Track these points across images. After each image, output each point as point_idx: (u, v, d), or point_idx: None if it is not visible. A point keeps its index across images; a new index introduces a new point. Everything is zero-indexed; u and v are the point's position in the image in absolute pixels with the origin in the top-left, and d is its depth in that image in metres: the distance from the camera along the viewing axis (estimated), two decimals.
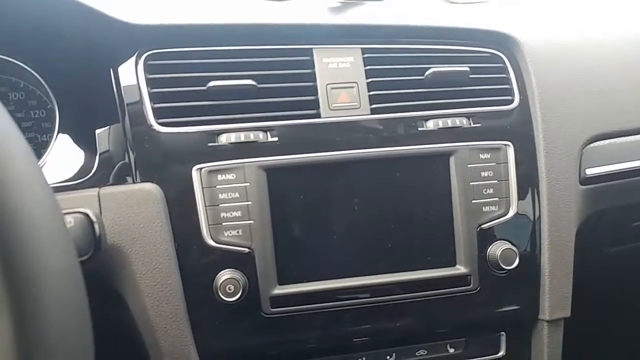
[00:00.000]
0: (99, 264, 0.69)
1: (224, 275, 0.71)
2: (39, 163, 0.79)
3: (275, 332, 0.74)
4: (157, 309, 0.71)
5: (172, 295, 0.71)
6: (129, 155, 0.75)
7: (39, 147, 0.83)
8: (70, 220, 0.48)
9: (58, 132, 0.82)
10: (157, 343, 0.72)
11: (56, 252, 0.34)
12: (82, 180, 0.76)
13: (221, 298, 0.70)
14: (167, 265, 0.71)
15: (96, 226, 0.50)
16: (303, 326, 0.75)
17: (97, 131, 0.78)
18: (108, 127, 0.78)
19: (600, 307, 1.24)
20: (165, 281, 0.71)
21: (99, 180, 0.76)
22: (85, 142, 0.80)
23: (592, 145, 0.85)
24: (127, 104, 0.75)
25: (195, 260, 0.72)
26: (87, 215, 0.49)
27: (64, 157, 0.81)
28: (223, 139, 0.73)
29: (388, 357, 0.81)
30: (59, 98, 0.81)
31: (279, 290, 0.73)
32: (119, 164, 0.76)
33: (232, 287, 0.70)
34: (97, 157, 0.78)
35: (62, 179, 0.76)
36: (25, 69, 0.82)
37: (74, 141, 0.82)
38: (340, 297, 0.75)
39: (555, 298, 0.81)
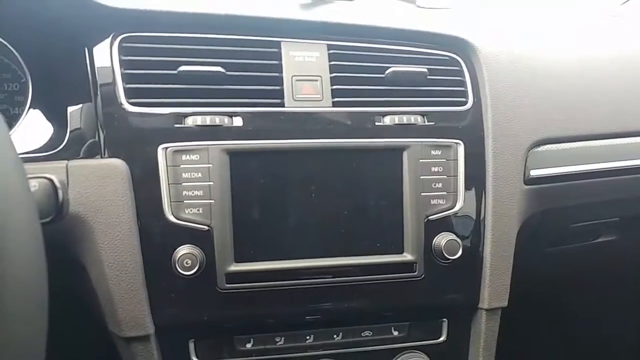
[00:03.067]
0: (62, 232, 0.72)
1: (183, 250, 0.74)
2: (10, 133, 0.81)
3: (229, 307, 0.78)
4: (117, 279, 0.74)
5: (131, 267, 0.74)
6: (98, 132, 0.78)
7: (11, 120, 0.85)
8: (34, 184, 0.51)
9: (30, 106, 0.84)
10: (115, 312, 0.75)
11: (18, 205, 0.38)
12: (51, 153, 0.78)
13: (178, 272, 0.74)
14: (128, 238, 0.74)
15: (60, 192, 0.53)
16: (256, 302, 0.79)
17: (69, 107, 0.81)
18: (80, 103, 0.81)
19: (536, 300, 1.32)
20: (126, 253, 0.74)
21: (68, 154, 0.78)
22: (57, 117, 0.82)
23: (537, 148, 0.91)
24: (100, 83, 0.78)
25: (156, 234, 0.76)
26: (51, 180, 0.52)
27: (34, 130, 0.83)
28: (189, 122, 0.77)
29: (335, 336, 0.85)
30: (33, 72, 0.84)
31: (235, 267, 0.77)
32: (88, 139, 0.79)
33: (189, 262, 0.74)
34: (68, 132, 0.80)
35: (31, 150, 0.79)
36: (1, 42, 0.84)
37: (46, 116, 0.84)
38: (293, 277, 0.80)
39: (494, 289, 0.87)
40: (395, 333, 0.88)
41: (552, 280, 1.25)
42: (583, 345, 1.77)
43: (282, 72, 0.82)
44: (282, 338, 0.84)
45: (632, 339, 1.66)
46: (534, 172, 0.90)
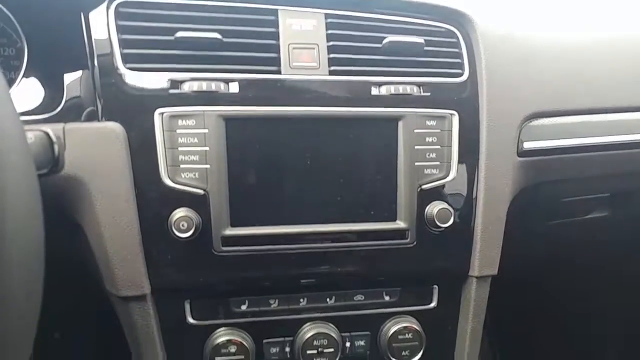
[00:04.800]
0: (60, 193, 0.73)
1: (179, 213, 0.76)
2: None
3: (224, 270, 0.80)
4: (114, 240, 0.76)
5: (128, 228, 0.76)
6: (95, 96, 0.79)
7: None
8: (30, 136, 0.52)
9: (26, 71, 0.84)
10: (112, 272, 0.77)
11: (15, 150, 0.39)
12: (48, 116, 0.79)
13: (175, 234, 0.75)
14: (125, 200, 0.75)
15: (55, 146, 0.54)
16: (251, 266, 0.81)
17: (65, 71, 0.81)
18: (76, 68, 0.81)
19: (526, 272, 1.34)
20: (123, 215, 0.76)
21: (64, 118, 0.78)
22: (53, 81, 0.82)
23: (531, 121, 0.92)
24: (97, 48, 0.78)
25: (152, 197, 0.77)
26: (47, 134, 0.53)
27: (30, 94, 0.83)
28: (186, 87, 0.78)
29: (328, 300, 0.87)
30: (29, 36, 0.84)
31: (230, 231, 0.79)
32: (85, 103, 0.79)
33: (185, 225, 0.75)
34: (64, 96, 0.80)
35: (27, 111, 0.79)
36: None
37: (41, 80, 0.84)
38: (287, 241, 0.81)
39: (484, 257, 0.89)
40: (387, 298, 0.90)
41: (542, 254, 1.27)
42: (571, 318, 1.81)
43: (278, 40, 0.82)
44: (277, 300, 0.86)
45: (619, 315, 1.69)
46: (528, 145, 0.91)
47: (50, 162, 0.53)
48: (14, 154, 0.38)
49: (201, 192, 0.77)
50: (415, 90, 0.85)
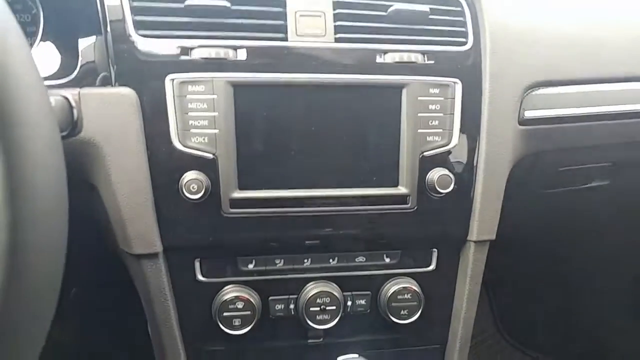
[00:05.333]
0: (75, 155, 0.77)
1: (189, 175, 0.79)
2: None
3: (232, 231, 0.84)
4: (127, 201, 0.80)
5: (141, 189, 0.80)
6: (109, 62, 0.81)
7: None
8: (52, 101, 0.55)
9: (41, 37, 0.87)
10: (125, 230, 0.81)
11: (41, 113, 0.42)
12: (64, 81, 0.81)
13: (185, 196, 0.79)
14: (137, 162, 0.79)
15: (75, 110, 0.57)
16: (258, 227, 0.85)
17: (79, 38, 0.83)
18: (90, 34, 0.83)
19: (524, 236, 1.37)
20: (135, 176, 0.79)
21: (79, 83, 0.81)
22: (67, 47, 0.85)
23: (533, 90, 0.93)
24: (109, 14, 0.80)
25: (164, 160, 0.80)
26: (66, 98, 0.56)
27: (46, 60, 0.86)
28: (195, 54, 0.80)
29: (331, 260, 0.92)
30: (44, 3, 0.86)
31: (238, 194, 0.82)
32: (98, 69, 0.82)
33: (195, 187, 0.79)
34: (79, 62, 0.83)
35: (44, 77, 0.82)
36: None
37: (56, 46, 0.87)
38: (293, 205, 0.85)
39: (483, 223, 0.92)
40: (387, 260, 0.94)
41: (541, 221, 1.30)
42: (568, 282, 1.85)
43: (285, 8, 0.84)
44: (282, 260, 0.90)
45: (618, 284, 1.73)
46: (529, 114, 0.93)
47: (69, 124, 0.56)
48: (42, 118, 0.42)
49: (210, 156, 0.80)
50: (419, 58, 0.87)
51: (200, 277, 0.88)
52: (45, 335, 0.50)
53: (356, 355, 0.79)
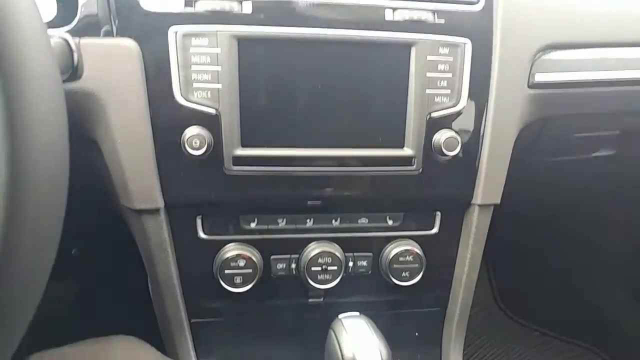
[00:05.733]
0: (76, 107, 0.75)
1: (192, 131, 0.77)
2: None
3: (235, 189, 0.83)
4: (128, 155, 0.79)
5: (142, 144, 0.78)
6: (109, 13, 0.79)
7: None
8: (51, 42, 0.54)
9: None
10: (127, 186, 0.80)
11: (42, 55, 0.41)
12: (63, 31, 0.79)
13: (187, 151, 0.77)
14: (139, 116, 0.77)
15: (75, 54, 0.55)
16: (261, 186, 0.84)
17: None
18: None
19: (527, 203, 1.37)
20: (137, 130, 0.78)
21: (79, 33, 0.79)
22: None
23: (545, 54, 0.91)
24: None
25: (166, 115, 0.78)
26: (66, 41, 0.54)
27: (44, 9, 0.84)
28: (200, 6, 0.77)
29: (334, 221, 0.91)
30: None
31: (241, 151, 0.81)
32: (100, 19, 0.79)
33: (197, 142, 0.77)
34: (78, 12, 0.81)
35: None
36: None
37: None
38: (297, 164, 0.83)
39: (488, 186, 0.91)
40: (390, 222, 0.93)
41: (544, 192, 1.29)
42: (568, 260, 1.86)
43: None
44: (284, 220, 0.89)
45: (619, 258, 1.73)
46: (539, 77, 0.91)
47: (69, 68, 0.55)
48: (41, 52, 0.40)
49: (213, 111, 0.79)
50: (429, 16, 0.84)
51: (201, 235, 0.88)
52: (46, 278, 0.49)
53: (357, 313, 0.79)
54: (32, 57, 0.39)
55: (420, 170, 0.87)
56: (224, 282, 0.88)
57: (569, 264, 1.87)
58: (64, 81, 0.56)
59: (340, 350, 0.73)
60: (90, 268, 1.46)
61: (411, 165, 0.86)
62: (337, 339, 0.75)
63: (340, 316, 0.78)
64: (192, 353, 0.94)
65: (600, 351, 1.89)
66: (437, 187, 0.89)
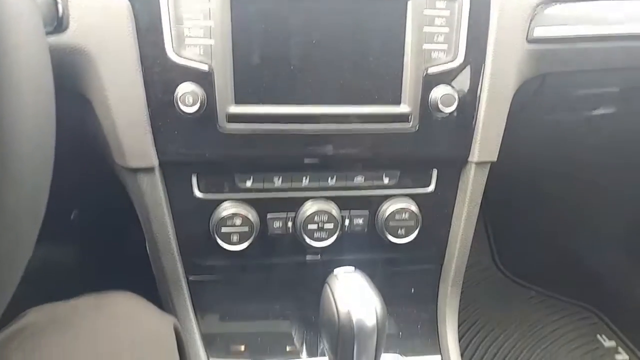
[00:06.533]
0: (67, 65, 0.74)
1: (184, 87, 0.76)
2: None
3: (229, 147, 0.82)
4: (121, 113, 0.78)
5: (135, 101, 0.77)
6: None
7: None
8: None
9: None
10: (121, 144, 0.80)
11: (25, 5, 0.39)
12: None
13: (180, 109, 0.76)
14: (131, 73, 0.76)
15: (60, 5, 0.54)
16: (256, 144, 0.83)
17: None
18: None
19: (522, 167, 1.37)
20: (129, 87, 0.77)
21: None
22: None
23: (545, 7, 0.88)
24: None
25: (158, 72, 0.77)
26: None
27: None
28: None
29: (330, 179, 0.90)
30: None
31: (235, 108, 0.80)
32: None
33: (190, 99, 0.76)
34: None
35: None
36: None
37: None
38: (292, 121, 0.82)
39: (485, 144, 0.90)
40: (386, 180, 0.93)
41: (542, 151, 1.28)
42: (566, 221, 1.87)
43: None
44: (280, 178, 0.89)
45: (616, 219, 1.74)
46: (539, 31, 0.89)
47: (54, 20, 0.53)
48: (25, 7, 0.39)
49: (206, 67, 0.77)
50: None
51: (197, 193, 0.88)
52: (37, 230, 0.50)
53: (352, 268, 0.79)
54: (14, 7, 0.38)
55: (417, 127, 0.86)
56: (220, 240, 0.88)
57: (567, 224, 1.88)
58: (50, 33, 0.55)
59: (335, 305, 0.74)
60: (89, 231, 1.47)
61: (408, 122, 0.85)
62: (332, 293, 0.75)
63: (335, 271, 0.78)
64: (190, 310, 0.95)
65: (595, 309, 1.92)
66: (434, 145, 0.89)
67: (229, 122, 0.80)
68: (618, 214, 1.73)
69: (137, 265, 1.03)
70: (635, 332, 1.79)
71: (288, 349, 1.00)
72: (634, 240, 1.73)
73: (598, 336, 1.84)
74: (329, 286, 0.78)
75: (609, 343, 1.81)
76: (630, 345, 1.79)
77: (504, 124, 0.90)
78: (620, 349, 1.79)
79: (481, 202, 0.98)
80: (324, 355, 0.83)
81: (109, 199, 1.22)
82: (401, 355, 1.00)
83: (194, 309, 0.96)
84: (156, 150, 0.81)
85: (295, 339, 1.01)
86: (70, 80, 0.78)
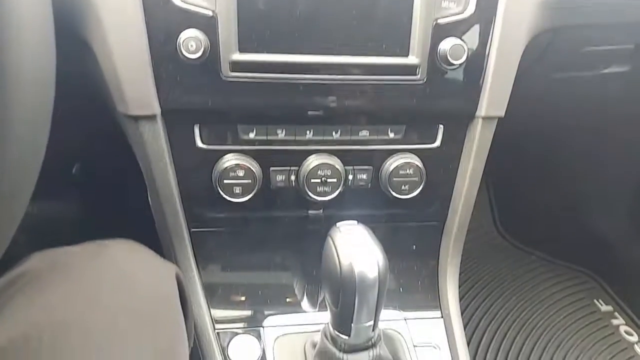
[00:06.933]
0: (68, 11, 0.72)
1: (187, 33, 0.74)
2: None
3: (232, 96, 0.81)
4: (123, 60, 0.76)
5: (137, 47, 0.75)
6: None
7: None
8: None
9: None
10: (122, 91, 0.78)
11: None
12: None
13: (183, 55, 0.74)
14: (133, 18, 0.74)
15: None
16: (260, 93, 0.81)
17: None
18: None
19: (527, 127, 1.35)
20: (131, 33, 0.75)
21: None
22: None
23: None
24: None
25: (161, 17, 0.75)
26: None
27: None
28: None
29: (334, 133, 0.89)
30: None
31: (239, 56, 0.78)
32: None
33: (194, 45, 0.74)
34: None
35: None
36: None
37: None
38: (297, 71, 0.80)
39: (493, 98, 0.88)
40: (392, 135, 0.91)
41: (549, 111, 1.26)
42: (570, 184, 1.86)
43: None
44: (284, 130, 0.87)
45: (620, 183, 1.73)
46: None
47: None
48: None
49: (210, 13, 0.75)
50: None
51: (200, 144, 0.86)
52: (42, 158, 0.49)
53: (355, 222, 0.79)
54: None
55: (425, 79, 0.84)
56: (223, 192, 0.88)
57: (571, 189, 1.88)
58: None
59: (337, 257, 0.74)
60: (91, 185, 1.47)
61: (415, 74, 0.83)
62: (334, 245, 0.75)
63: (338, 224, 0.78)
64: (192, 260, 0.96)
65: (594, 274, 1.94)
66: (441, 98, 0.87)
67: (232, 70, 0.78)
68: (625, 178, 1.72)
69: (140, 219, 1.03)
70: (632, 297, 1.81)
71: (288, 300, 1.01)
72: (637, 204, 1.73)
73: (595, 301, 1.86)
74: (332, 238, 0.77)
75: (605, 307, 1.83)
76: (627, 310, 1.80)
77: (513, 78, 0.88)
78: (616, 314, 1.81)
79: (485, 167, 0.97)
80: (324, 307, 0.83)
81: (111, 153, 1.21)
82: (401, 310, 1.01)
83: (196, 260, 0.97)
84: (158, 97, 0.79)
85: (296, 291, 1.02)
86: (71, 25, 0.76)
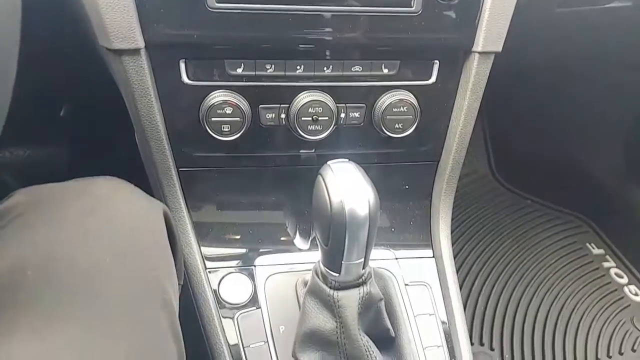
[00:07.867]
0: None
1: None
2: None
3: (219, 28, 0.77)
4: None
5: None
6: None
7: None
8: None
9: None
10: (104, 23, 0.74)
11: None
12: None
13: None
14: None
15: None
16: (247, 25, 0.78)
17: None
18: None
19: (524, 66, 1.32)
20: None
21: None
22: None
23: None
24: None
25: None
26: None
27: None
28: None
29: (325, 69, 0.86)
30: None
31: None
32: None
33: None
34: None
35: None
36: None
37: None
38: (287, 1, 0.77)
39: (490, 32, 0.85)
40: (386, 71, 0.88)
41: (547, 49, 1.22)
42: (568, 128, 1.84)
43: None
44: (273, 66, 0.84)
45: (619, 127, 1.71)
46: None
47: None
48: None
49: None
50: None
51: (186, 80, 0.83)
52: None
53: (346, 160, 0.77)
54: None
55: (420, 11, 0.80)
56: (210, 130, 0.85)
57: (567, 132, 1.86)
58: None
59: (328, 194, 0.73)
60: (79, 126, 1.44)
61: (410, 5, 0.80)
62: (324, 183, 0.74)
63: (329, 162, 0.76)
64: (182, 199, 0.94)
65: (587, 219, 1.95)
66: (437, 31, 0.84)
67: (218, 0, 0.75)
68: (617, 125, 1.70)
69: (129, 160, 1.01)
70: (624, 240, 1.82)
71: (280, 239, 1.00)
72: (631, 147, 1.72)
73: (587, 244, 1.88)
74: (322, 176, 0.76)
75: (597, 251, 1.85)
76: (618, 253, 1.83)
77: (512, 12, 0.85)
78: (607, 257, 1.83)
79: (480, 110, 0.95)
80: (316, 246, 0.83)
81: (98, 93, 1.18)
82: (392, 249, 1.01)
83: (186, 200, 0.95)
84: (142, 29, 0.76)
85: (288, 230, 1.02)
86: None
